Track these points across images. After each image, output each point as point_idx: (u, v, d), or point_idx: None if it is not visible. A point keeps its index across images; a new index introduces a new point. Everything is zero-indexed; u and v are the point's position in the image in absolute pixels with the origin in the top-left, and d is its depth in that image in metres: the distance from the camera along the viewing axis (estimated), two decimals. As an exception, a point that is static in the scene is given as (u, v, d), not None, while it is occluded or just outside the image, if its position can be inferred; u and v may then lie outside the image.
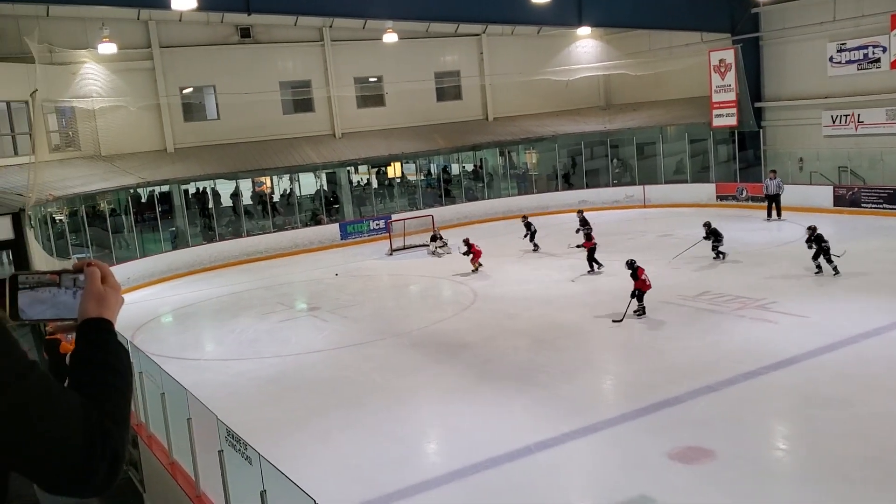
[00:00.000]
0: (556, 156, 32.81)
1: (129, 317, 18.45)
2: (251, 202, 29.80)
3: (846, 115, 26.12)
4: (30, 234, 18.81)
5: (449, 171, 33.53)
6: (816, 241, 17.16)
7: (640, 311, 15.13)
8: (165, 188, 27.12)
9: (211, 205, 28.12)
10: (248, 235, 27.45)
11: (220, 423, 7.21)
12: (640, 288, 15.07)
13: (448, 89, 33.37)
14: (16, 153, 23.58)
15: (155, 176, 25.91)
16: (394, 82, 31.59)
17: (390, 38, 30.13)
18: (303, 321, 18.12)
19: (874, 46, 25.13)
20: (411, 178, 33.73)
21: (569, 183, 32.79)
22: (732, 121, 28.79)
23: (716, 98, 29.06)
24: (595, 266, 19.61)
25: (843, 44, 25.97)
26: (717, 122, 29.26)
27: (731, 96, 28.56)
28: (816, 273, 17.17)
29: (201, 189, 28.64)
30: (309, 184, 30.85)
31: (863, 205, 24.55)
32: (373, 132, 31.03)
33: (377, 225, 28.63)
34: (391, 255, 25.30)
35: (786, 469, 9.15)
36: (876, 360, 11.84)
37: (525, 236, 23.25)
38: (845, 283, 16.33)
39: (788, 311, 14.70)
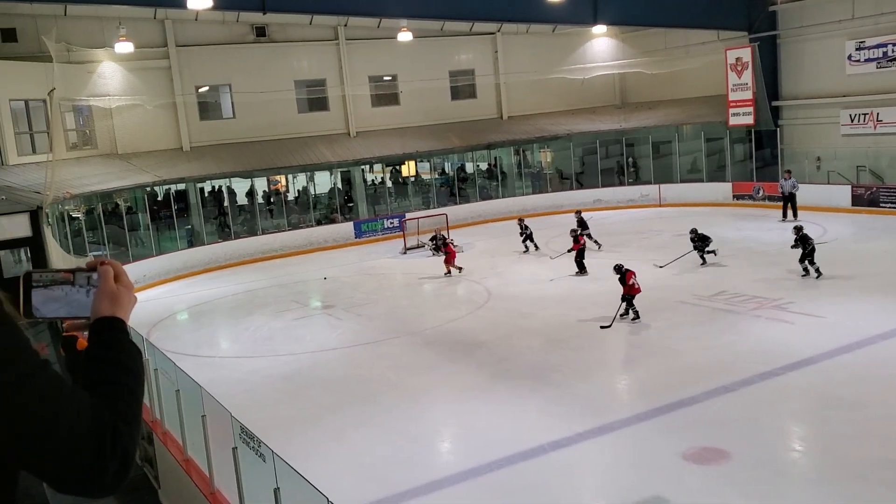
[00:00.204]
0: (571, 154, 32.71)
1: (145, 314, 18.57)
2: (262, 201, 29.88)
3: (865, 114, 25.87)
4: (47, 232, 18.98)
5: (464, 170, 33.50)
6: (802, 242, 16.99)
7: (634, 316, 14.85)
8: (181, 186, 27.29)
9: (226, 203, 28.25)
10: (263, 233, 27.56)
11: (235, 420, 7.24)
12: (629, 293, 14.84)
13: (462, 88, 33.35)
14: (34, 151, 23.79)
15: (171, 174, 26.07)
16: (408, 81, 31.60)
17: (405, 36, 30.14)
18: (317, 319, 18.16)
19: (894, 45, 24.87)
20: (425, 176, 33.73)
21: (579, 182, 32.67)
22: (749, 120, 28.60)
23: (732, 97, 28.87)
24: (581, 269, 19.49)
25: (861, 42, 25.72)
26: (733, 121, 29.08)
27: (748, 95, 28.36)
28: (803, 276, 16.95)
29: (217, 188, 28.79)
30: (323, 182, 30.93)
31: (881, 204, 24.30)
32: (387, 131, 31.06)
33: (391, 224, 28.66)
34: (405, 253, 25.33)
35: (801, 470, 9.07)
36: (893, 360, 11.73)
37: (523, 238, 23.08)
38: (862, 284, 16.17)
39: (805, 311, 14.58)
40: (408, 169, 33.92)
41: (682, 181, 30.57)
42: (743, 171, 29.48)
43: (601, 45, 34.35)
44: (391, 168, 32.41)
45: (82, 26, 25.92)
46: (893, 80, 24.97)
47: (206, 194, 28.50)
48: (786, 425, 10.33)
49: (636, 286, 14.84)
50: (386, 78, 31.95)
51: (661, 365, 12.60)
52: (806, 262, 16.92)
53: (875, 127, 25.66)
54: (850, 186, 25.45)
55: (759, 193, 27.79)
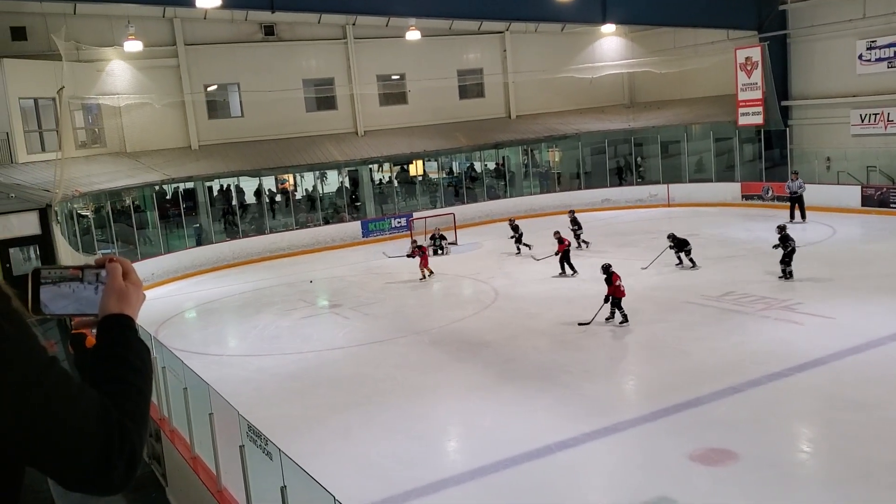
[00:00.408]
0: (580, 154, 32.65)
1: (153, 312, 18.62)
2: (267, 201, 29.92)
3: (875, 114, 25.73)
4: (56, 230, 19.08)
5: (473, 169, 33.47)
6: (783, 242, 16.91)
7: (622, 320, 14.69)
8: (190, 185, 27.37)
9: (235, 202, 28.31)
10: (271, 232, 27.60)
11: (242, 418, 7.25)
12: (614, 294, 14.73)
13: (471, 87, 33.32)
14: (43, 149, 23.88)
15: (179, 173, 26.15)
16: (416, 80, 31.59)
17: (413, 35, 30.13)
18: (324, 318, 18.19)
19: (905, 44, 24.75)
20: (433, 175, 33.72)
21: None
22: (759, 119, 28.49)
23: (742, 96, 28.76)
24: (568, 269, 19.44)
25: (873, 41, 25.57)
26: (742, 121, 28.97)
27: (758, 94, 28.25)
28: (781, 278, 16.90)
29: (225, 186, 28.85)
30: (331, 181, 30.96)
31: (891, 205, 24.15)
32: (395, 130, 31.06)
33: (399, 223, 28.67)
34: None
35: (809, 472, 9.03)
36: (903, 362, 11.66)
37: (511, 238, 22.97)
38: (871, 285, 16.08)
39: (814, 312, 14.52)
40: (415, 168, 33.91)
41: (691, 181, 30.47)
42: (752, 171, 29.36)
43: (610, 44, 34.27)
44: (399, 167, 32.40)
45: (91, 25, 26.02)
46: (904, 80, 24.84)
47: (216, 193, 28.58)
48: (794, 426, 10.28)
49: (622, 288, 14.74)
50: (394, 77, 31.96)
51: (669, 365, 12.57)
52: (784, 264, 16.91)
53: (886, 127, 25.51)
54: (859, 187, 25.31)
55: (768, 194, 27.67)
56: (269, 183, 30.24)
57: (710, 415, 10.39)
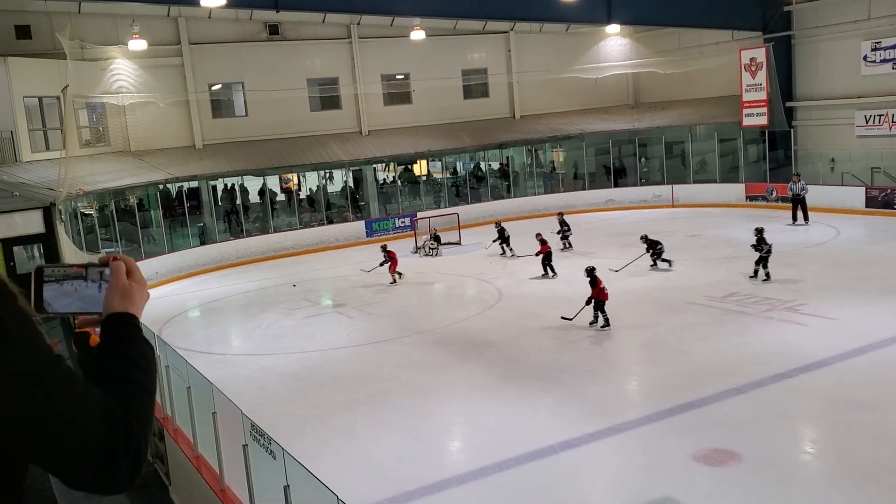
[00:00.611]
0: (584, 154, 32.62)
1: (157, 311, 18.65)
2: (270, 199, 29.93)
3: (880, 115, 25.67)
4: (60, 229, 19.10)
5: (477, 169, 33.46)
6: (759, 244, 16.92)
7: (604, 323, 14.61)
8: (194, 184, 27.40)
9: (239, 201, 28.33)
10: (275, 232, 27.63)
11: (245, 417, 7.25)
12: (598, 297, 14.68)
13: (475, 87, 33.32)
14: (47, 148, 23.94)
15: (183, 172, 26.19)
16: (421, 80, 31.60)
17: (418, 35, 30.13)
18: (328, 317, 18.20)
19: (910, 45, 24.69)
20: (437, 175, 33.72)
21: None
22: (763, 120, 28.44)
23: (746, 97, 28.72)
24: (549, 272, 19.45)
25: (877, 42, 25.51)
26: (747, 122, 28.92)
27: (762, 95, 28.20)
28: (751, 277, 17.01)
29: (229, 185, 28.88)
30: (335, 180, 30.97)
31: (896, 206, 24.14)
32: (399, 130, 31.07)
33: (402, 223, 28.67)
34: (416, 252, 25.30)
35: (812, 473, 9.01)
36: (907, 364, 11.63)
37: (496, 241, 22.95)
38: (876, 286, 16.04)
39: (817, 313, 14.48)
40: (419, 168, 33.93)
41: (695, 182, 30.44)
42: (756, 172, 29.31)
43: (614, 44, 34.24)
44: (403, 167, 32.41)
45: (96, 24, 26.07)
46: (909, 81, 24.78)
47: (220, 193, 28.61)
48: (797, 428, 10.26)
49: (605, 290, 14.72)
50: (398, 76, 31.97)
51: (672, 366, 12.55)
52: (759, 265, 16.96)
53: (890, 128, 25.45)
54: (864, 188, 25.26)
55: (772, 194, 27.62)
56: (273, 182, 30.25)
57: (713, 415, 10.37)
